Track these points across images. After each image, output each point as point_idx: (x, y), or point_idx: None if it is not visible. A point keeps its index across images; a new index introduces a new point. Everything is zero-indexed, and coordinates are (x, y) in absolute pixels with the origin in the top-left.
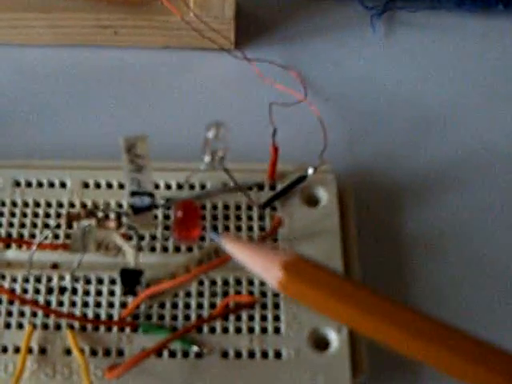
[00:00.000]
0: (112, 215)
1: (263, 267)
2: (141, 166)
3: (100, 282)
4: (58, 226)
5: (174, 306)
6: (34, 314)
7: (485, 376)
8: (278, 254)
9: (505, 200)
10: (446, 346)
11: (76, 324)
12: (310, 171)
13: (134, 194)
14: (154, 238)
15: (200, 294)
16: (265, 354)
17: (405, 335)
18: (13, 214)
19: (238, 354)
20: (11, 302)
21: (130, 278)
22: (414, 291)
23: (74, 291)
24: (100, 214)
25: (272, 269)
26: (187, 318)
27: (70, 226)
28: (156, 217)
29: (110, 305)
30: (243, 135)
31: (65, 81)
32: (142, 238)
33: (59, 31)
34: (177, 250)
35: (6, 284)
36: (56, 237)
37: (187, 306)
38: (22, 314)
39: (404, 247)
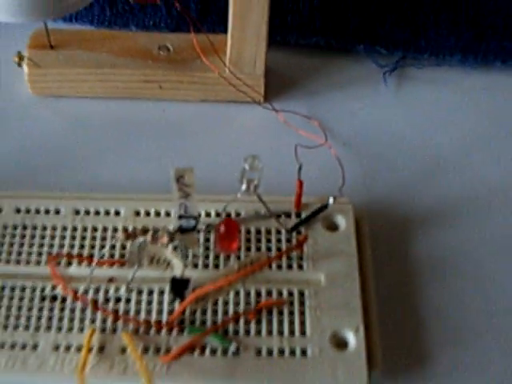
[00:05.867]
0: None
1: None
2: (188, 194)
3: (150, 293)
4: (114, 247)
5: (214, 312)
6: (93, 320)
7: None
8: None
9: (506, 233)
10: None
11: (129, 328)
12: (331, 200)
13: (181, 217)
14: (195, 256)
15: (236, 303)
16: (293, 353)
17: None
18: (73, 237)
19: (270, 352)
20: (73, 311)
21: (180, 285)
22: (422, 309)
23: (128, 301)
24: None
25: None
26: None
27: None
28: (198, 240)
29: (159, 312)
30: (273, 174)
31: (115, 129)
32: (186, 256)
33: (109, 85)
34: (215, 266)
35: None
36: (111, 256)
37: (225, 312)
38: (82, 320)
39: (413, 270)
